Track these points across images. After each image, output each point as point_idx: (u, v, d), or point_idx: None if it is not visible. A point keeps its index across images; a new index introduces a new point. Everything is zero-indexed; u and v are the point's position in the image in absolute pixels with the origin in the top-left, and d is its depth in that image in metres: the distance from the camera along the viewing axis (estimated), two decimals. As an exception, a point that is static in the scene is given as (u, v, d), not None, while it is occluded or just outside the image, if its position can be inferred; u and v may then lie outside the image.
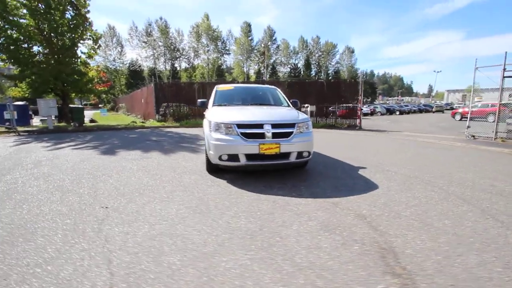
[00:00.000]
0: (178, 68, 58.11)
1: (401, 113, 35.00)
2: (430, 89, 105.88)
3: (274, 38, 63.50)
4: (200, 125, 15.40)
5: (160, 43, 52.67)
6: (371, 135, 10.68)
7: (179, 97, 17.34)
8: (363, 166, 4.79)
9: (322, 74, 69.43)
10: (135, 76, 50.63)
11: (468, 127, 10.34)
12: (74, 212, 2.74)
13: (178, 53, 56.10)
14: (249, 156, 3.64)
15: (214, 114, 4.18)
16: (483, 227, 2.39)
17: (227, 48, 59.17)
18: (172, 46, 54.20)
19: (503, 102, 9.95)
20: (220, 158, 3.72)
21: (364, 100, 29.89)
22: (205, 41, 56.19)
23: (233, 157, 3.66)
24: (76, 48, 14.97)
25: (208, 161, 4.11)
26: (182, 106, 16.65)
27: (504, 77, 10.06)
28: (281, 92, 5.50)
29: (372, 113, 32.38)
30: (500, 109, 11.80)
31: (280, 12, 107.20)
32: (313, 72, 70.04)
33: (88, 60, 16.60)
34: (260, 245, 2.09)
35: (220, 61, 59.65)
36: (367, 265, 1.83)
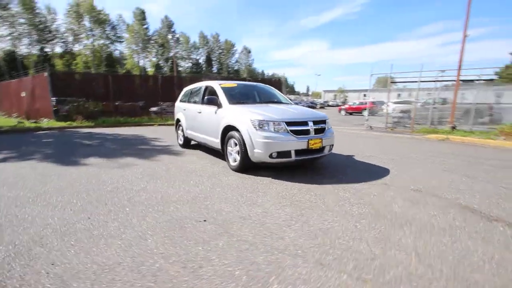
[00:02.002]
0: (50, 53, 46.25)
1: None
2: (308, 89, 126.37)
3: (173, 30, 60.01)
4: (125, 124, 13.49)
5: (22, 20, 40.21)
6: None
7: (86, 90, 14.32)
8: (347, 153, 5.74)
9: (224, 71, 71.10)
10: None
11: (367, 120, 13.43)
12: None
13: (50, 35, 44.55)
14: (297, 152, 3.83)
15: (243, 112, 4.10)
16: (434, 171, 3.59)
17: (118, 35, 51.54)
18: (41, 26, 42.45)
19: (391, 100, 13.60)
20: (270, 156, 3.74)
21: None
22: (88, 23, 46.99)
23: (285, 154, 3.77)
24: None
25: (244, 159, 3.99)
26: (91, 102, 13.83)
27: (391, 82, 13.65)
28: (276, 90, 5.77)
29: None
30: (371, 106, 16.86)
31: (171, 2, 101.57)
32: (214, 69, 70.75)
33: None
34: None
35: (109, 49, 51.40)
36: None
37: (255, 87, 5.54)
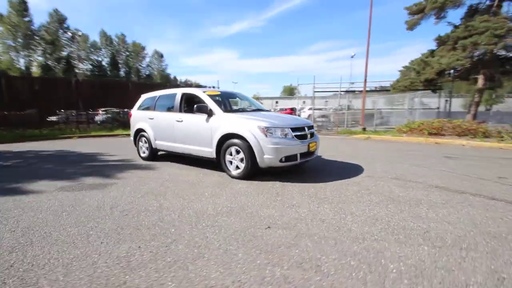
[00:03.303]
0: None
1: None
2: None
3: (66, 25, 50.86)
4: (31, 139, 10.52)
5: None
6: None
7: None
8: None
9: (133, 76, 64.75)
10: None
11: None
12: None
13: None
14: (301, 155, 4.17)
15: (245, 119, 4.20)
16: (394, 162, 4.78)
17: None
18: None
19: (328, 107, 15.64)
20: (280, 160, 3.94)
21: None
22: None
23: (292, 157, 4.03)
24: None
25: (251, 166, 4.04)
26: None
27: (314, 91, 15.69)
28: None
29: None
30: (290, 112, 19.38)
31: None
32: (122, 73, 63.66)
33: None
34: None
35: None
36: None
37: (236, 95, 5.60)
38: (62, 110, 14.52)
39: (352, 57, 38.84)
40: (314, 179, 4.22)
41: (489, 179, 4.21)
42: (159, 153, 5.88)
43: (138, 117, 6.03)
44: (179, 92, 5.26)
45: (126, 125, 13.04)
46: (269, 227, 2.55)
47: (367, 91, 15.92)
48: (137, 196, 3.46)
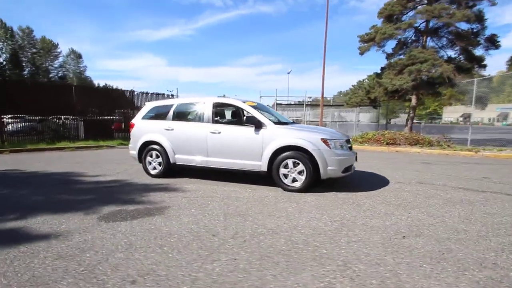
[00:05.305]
0: None
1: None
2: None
3: None
4: None
5: None
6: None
7: None
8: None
9: (41, 77, 54.40)
10: None
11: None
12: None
13: None
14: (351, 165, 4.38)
15: (307, 132, 4.22)
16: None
17: None
18: None
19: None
20: (342, 171, 4.07)
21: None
22: None
23: (349, 168, 4.21)
24: None
25: (311, 178, 4.04)
26: None
27: (276, 103, 16.39)
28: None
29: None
30: None
31: None
32: (26, 72, 52.77)
33: None
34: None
35: None
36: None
37: (267, 108, 5.50)
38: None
39: (288, 73, 42.02)
40: (352, 188, 4.43)
41: (479, 179, 5.27)
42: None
43: (146, 128, 5.22)
44: (209, 101, 4.83)
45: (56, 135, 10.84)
46: (404, 236, 2.63)
47: (328, 105, 17.65)
48: (219, 219, 3.04)
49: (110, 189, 4.43)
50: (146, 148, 5.18)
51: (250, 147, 4.35)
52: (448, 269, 2.03)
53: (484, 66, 12.63)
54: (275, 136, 4.23)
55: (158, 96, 16.05)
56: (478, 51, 12.81)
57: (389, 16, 13.09)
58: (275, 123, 4.49)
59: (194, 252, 2.27)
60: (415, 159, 8.18)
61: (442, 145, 10.23)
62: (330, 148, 4.02)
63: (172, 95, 16.55)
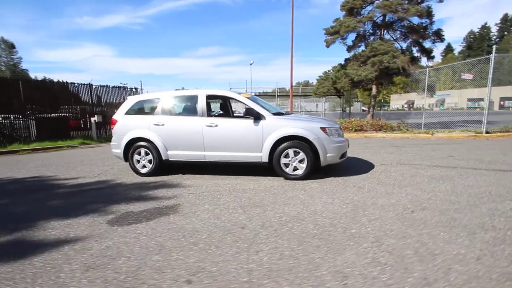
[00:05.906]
0: None
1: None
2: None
3: None
4: None
5: None
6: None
7: None
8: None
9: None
10: None
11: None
12: (428, 226, 2.54)
13: None
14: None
15: (306, 122, 4.35)
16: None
17: None
18: None
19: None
20: (340, 157, 4.30)
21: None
22: None
23: (345, 154, 4.46)
24: None
25: (311, 165, 4.21)
26: None
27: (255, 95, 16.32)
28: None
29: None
30: None
31: None
32: None
33: None
34: (445, 180, 4.17)
35: None
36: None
37: (259, 99, 5.47)
38: None
39: (251, 64, 42.02)
40: (349, 172, 4.78)
41: (446, 157, 5.99)
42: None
43: (132, 124, 4.87)
44: (201, 93, 4.66)
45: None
46: (412, 211, 2.93)
47: (297, 95, 18.09)
48: (238, 212, 3.04)
49: (100, 191, 4.09)
50: (133, 145, 4.85)
51: (250, 139, 4.35)
52: (461, 234, 2.34)
53: (433, 57, 14.19)
54: (275, 127, 4.28)
55: (120, 89, 14.93)
56: (426, 44, 14.30)
57: (351, 9, 13.84)
58: (273, 114, 4.55)
59: (232, 246, 2.26)
60: (384, 143, 8.92)
61: (402, 130, 11.31)
62: (328, 136, 4.22)
63: (136, 89, 15.48)
